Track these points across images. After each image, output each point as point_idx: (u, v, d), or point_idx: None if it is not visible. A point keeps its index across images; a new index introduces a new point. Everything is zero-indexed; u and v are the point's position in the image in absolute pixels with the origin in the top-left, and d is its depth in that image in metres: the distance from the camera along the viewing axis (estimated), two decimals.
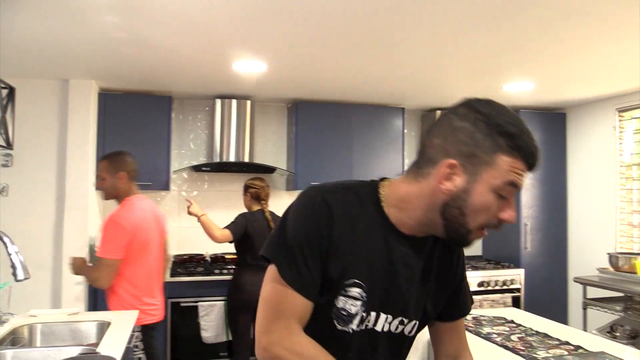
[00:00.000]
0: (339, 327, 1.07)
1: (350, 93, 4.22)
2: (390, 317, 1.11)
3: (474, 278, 4.31)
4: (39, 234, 3.75)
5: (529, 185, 4.66)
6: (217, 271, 3.89)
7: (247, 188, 3.71)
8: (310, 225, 1.03)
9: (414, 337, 1.19)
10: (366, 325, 1.09)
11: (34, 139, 3.76)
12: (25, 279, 1.93)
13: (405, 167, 4.66)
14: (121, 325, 2.43)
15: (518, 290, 4.46)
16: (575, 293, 4.66)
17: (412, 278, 1.11)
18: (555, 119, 4.82)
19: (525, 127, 1.00)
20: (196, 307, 3.75)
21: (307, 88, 4.07)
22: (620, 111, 4.34)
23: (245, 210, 3.68)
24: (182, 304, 3.75)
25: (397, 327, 1.13)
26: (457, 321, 1.25)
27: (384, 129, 4.57)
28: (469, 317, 2.99)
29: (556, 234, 4.75)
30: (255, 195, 3.67)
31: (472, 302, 1.28)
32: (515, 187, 1.01)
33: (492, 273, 4.39)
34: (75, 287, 3.63)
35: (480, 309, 3.58)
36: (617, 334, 3.64)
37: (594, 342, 2.48)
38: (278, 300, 1.03)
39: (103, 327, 2.48)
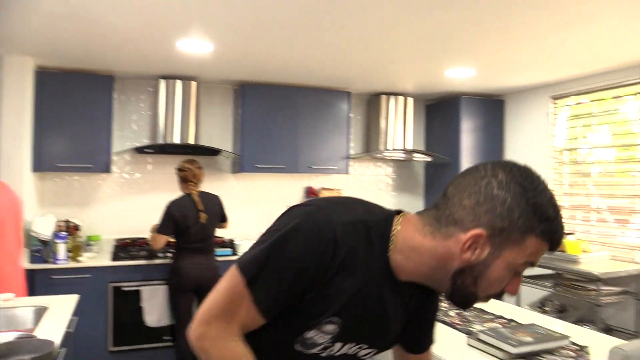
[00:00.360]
0: (297, 349, 1.03)
1: (297, 76, 4.22)
2: (353, 345, 1.08)
3: None
4: None
5: None
6: (160, 254, 3.83)
7: (177, 171, 3.67)
8: (308, 262, 0.94)
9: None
10: (328, 353, 1.06)
11: None
12: None
13: (351, 151, 4.73)
14: (59, 310, 2.37)
15: None
16: None
17: (396, 321, 1.10)
18: (494, 105, 5.00)
19: (558, 207, 0.94)
20: (139, 291, 3.69)
21: (254, 70, 4.04)
22: (554, 98, 4.56)
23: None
24: (124, 288, 3.68)
25: (354, 351, 1.09)
26: (426, 352, 1.25)
27: (330, 112, 4.60)
28: None
29: None
30: (183, 177, 3.62)
31: (434, 335, 1.28)
32: (532, 265, 0.97)
33: None
34: None
35: None
36: (547, 309, 3.87)
37: (526, 316, 2.63)
38: (234, 302, 0.98)
39: (40, 313, 2.41)
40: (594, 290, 3.46)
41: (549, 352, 2.06)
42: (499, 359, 1.99)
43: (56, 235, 3.63)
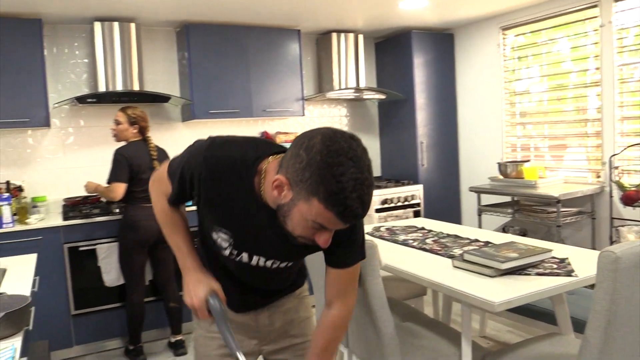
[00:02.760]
0: (215, 250, 1.40)
1: (243, 13, 3.98)
2: (262, 259, 1.37)
3: (376, 197, 4.44)
4: None
5: (423, 104, 4.82)
6: (116, 210, 3.62)
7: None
8: (185, 175, 1.31)
9: (290, 266, 1.46)
10: (239, 258, 1.37)
11: None
12: None
13: (305, 93, 4.59)
14: (19, 271, 2.18)
15: (418, 205, 4.69)
16: (467, 202, 5.01)
17: (273, 237, 1.28)
18: (443, 39, 4.96)
19: (357, 188, 1.05)
20: (95, 250, 3.49)
21: (196, 8, 3.76)
22: (503, 29, 4.56)
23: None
24: (81, 248, 3.46)
25: (262, 263, 1.38)
26: (334, 269, 1.39)
27: (281, 53, 4.41)
28: (383, 228, 3.08)
29: (449, 149, 5.01)
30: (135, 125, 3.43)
31: (352, 262, 1.40)
32: (324, 228, 1.13)
33: (393, 190, 4.55)
34: None
35: (388, 223, 3.69)
36: (509, 234, 3.98)
37: (499, 238, 2.68)
38: (163, 177, 1.40)
39: None
40: (554, 212, 3.58)
41: (534, 265, 2.10)
42: (487, 276, 2.00)
43: None
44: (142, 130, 3.42)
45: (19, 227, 3.33)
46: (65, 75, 3.98)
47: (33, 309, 1.83)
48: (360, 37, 4.85)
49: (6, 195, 3.36)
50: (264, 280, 1.47)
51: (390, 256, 2.39)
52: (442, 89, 4.95)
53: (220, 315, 1.34)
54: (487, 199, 4.33)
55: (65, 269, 3.44)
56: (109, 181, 3.30)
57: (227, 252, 1.37)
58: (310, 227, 1.13)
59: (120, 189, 3.28)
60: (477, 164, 4.88)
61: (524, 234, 3.95)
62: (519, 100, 4.51)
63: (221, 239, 1.35)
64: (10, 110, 3.50)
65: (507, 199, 4.26)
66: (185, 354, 3.51)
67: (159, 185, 1.44)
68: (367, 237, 2.05)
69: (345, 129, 5.06)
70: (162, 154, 3.47)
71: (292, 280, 1.58)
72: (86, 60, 4.05)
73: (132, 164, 3.28)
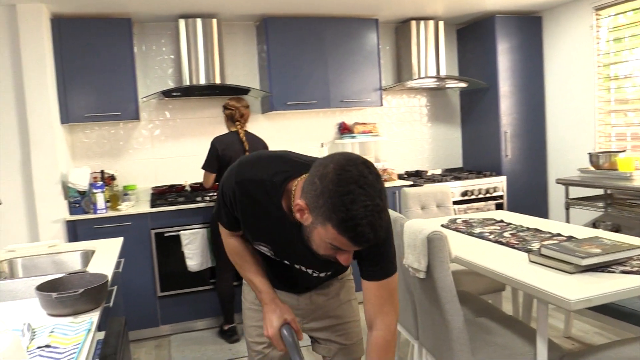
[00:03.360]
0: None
1: (320, 4, 4.00)
2: (302, 267, 1.48)
3: (456, 188, 4.31)
4: (6, 174, 3.55)
5: (507, 92, 4.60)
6: (198, 199, 3.79)
7: (223, 109, 3.68)
8: (224, 200, 1.43)
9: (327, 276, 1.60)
10: (285, 263, 1.49)
11: None
12: None
13: (383, 83, 4.54)
14: (106, 252, 2.34)
15: (501, 197, 4.49)
16: (555, 196, 4.73)
17: (305, 251, 1.31)
18: (530, 23, 4.70)
19: (367, 215, 1.09)
20: (179, 236, 3.67)
21: (274, 2, 3.83)
22: (597, 9, 4.24)
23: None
24: (167, 234, 3.67)
25: (311, 272, 1.50)
26: (368, 282, 1.40)
27: (358, 43, 4.39)
28: (459, 220, 2.99)
29: (535, 139, 4.75)
30: (230, 116, 3.61)
31: (381, 275, 1.39)
32: (340, 250, 1.18)
33: (475, 182, 4.39)
34: (53, 224, 3.50)
35: (466, 215, 3.58)
36: (600, 230, 3.72)
37: (585, 233, 2.50)
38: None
39: (87, 256, 2.39)
40: None
41: (619, 263, 1.95)
42: (565, 273, 1.88)
43: (93, 185, 3.61)
44: (235, 121, 3.56)
45: (111, 213, 3.58)
46: (152, 70, 4.22)
47: (115, 288, 1.97)
48: (441, 24, 4.71)
49: (100, 183, 3.63)
50: (308, 281, 1.59)
51: (464, 249, 2.31)
52: (529, 76, 4.70)
53: (292, 345, 1.45)
54: (577, 192, 4.06)
55: (152, 252, 3.65)
56: (203, 168, 3.52)
57: (271, 257, 1.50)
58: (330, 249, 1.19)
59: (208, 177, 3.52)
60: (566, 155, 4.59)
61: (616, 229, 3.67)
62: (616, 85, 4.18)
63: (262, 249, 1.48)
64: (104, 105, 3.76)
65: (599, 192, 3.97)
66: None
67: (223, 229, 1.57)
68: (437, 228, 2.00)
69: (425, 119, 5.02)
70: (256, 143, 3.57)
71: (332, 275, 1.66)
72: (172, 56, 4.26)
73: (224, 155, 3.44)
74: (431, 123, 5.08)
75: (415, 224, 2.09)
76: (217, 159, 3.46)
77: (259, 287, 1.53)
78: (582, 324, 3.42)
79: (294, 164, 1.35)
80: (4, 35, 3.49)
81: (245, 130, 3.57)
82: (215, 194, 3.83)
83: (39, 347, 1.26)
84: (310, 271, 1.50)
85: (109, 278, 1.71)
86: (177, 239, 3.68)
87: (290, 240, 1.36)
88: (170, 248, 3.68)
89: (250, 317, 1.69)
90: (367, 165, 1.13)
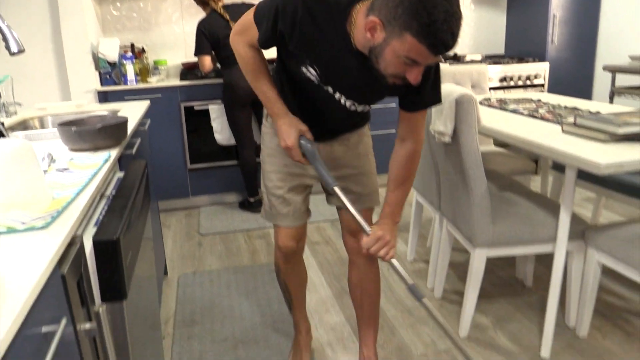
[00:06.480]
0: (304, 77, 1.46)
1: None
2: (343, 98, 1.48)
3: (495, 73, 4.12)
4: (36, 43, 3.55)
5: None
6: (211, 75, 3.72)
7: None
8: (278, 18, 1.35)
9: (365, 111, 1.60)
10: (325, 91, 1.46)
11: None
12: (20, 51, 1.78)
13: None
14: (132, 112, 2.36)
15: (542, 85, 4.28)
16: (601, 84, 4.47)
17: (360, 80, 1.40)
18: None
19: (447, 20, 1.09)
20: (208, 110, 3.67)
21: None
22: None
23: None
24: (196, 108, 3.67)
25: (343, 101, 1.49)
26: (410, 113, 1.48)
27: None
28: (493, 99, 2.88)
29: (586, 24, 4.41)
30: (199, 1, 3.46)
31: (424, 105, 1.47)
32: (416, 63, 1.19)
33: (514, 67, 4.18)
34: (85, 94, 3.53)
35: (502, 94, 3.44)
36: None
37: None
38: (247, 25, 1.46)
39: (114, 114, 2.41)
40: None
41: None
42: (599, 141, 1.80)
43: (123, 56, 3.58)
44: (212, 2, 3.42)
45: (141, 85, 3.58)
46: None
47: (139, 140, 1.99)
48: None
49: (130, 55, 3.59)
50: (337, 119, 1.59)
51: (494, 122, 2.23)
52: None
53: (312, 154, 1.48)
54: (625, 81, 3.82)
55: (182, 126, 3.69)
56: (195, 54, 3.44)
57: (314, 83, 1.46)
58: (402, 64, 1.20)
59: (203, 61, 3.43)
60: (619, 42, 4.27)
61: None
62: None
63: (310, 73, 1.44)
64: None
65: None
66: None
67: (241, 35, 1.51)
68: (466, 90, 1.91)
69: (468, 0, 4.69)
70: (238, 13, 3.42)
71: (357, 122, 1.68)
72: None
73: (212, 34, 3.35)
74: (475, 6, 4.77)
75: (445, 87, 2.01)
76: (207, 39, 3.37)
77: (272, 99, 1.53)
78: (611, 214, 3.37)
79: None
80: None
81: (223, 5, 3.43)
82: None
83: (57, 170, 1.30)
84: (349, 103, 1.49)
85: (132, 127, 1.72)
86: (206, 114, 3.68)
87: (345, 66, 1.37)
88: (200, 122, 3.71)
89: (271, 163, 1.70)
90: None
